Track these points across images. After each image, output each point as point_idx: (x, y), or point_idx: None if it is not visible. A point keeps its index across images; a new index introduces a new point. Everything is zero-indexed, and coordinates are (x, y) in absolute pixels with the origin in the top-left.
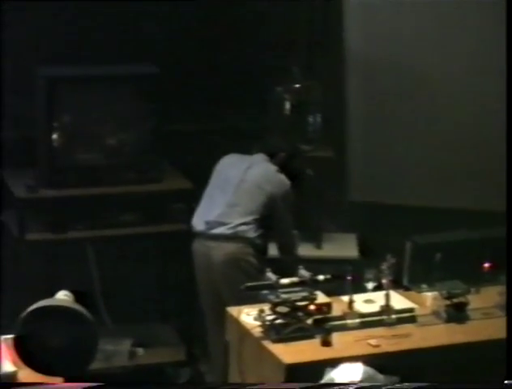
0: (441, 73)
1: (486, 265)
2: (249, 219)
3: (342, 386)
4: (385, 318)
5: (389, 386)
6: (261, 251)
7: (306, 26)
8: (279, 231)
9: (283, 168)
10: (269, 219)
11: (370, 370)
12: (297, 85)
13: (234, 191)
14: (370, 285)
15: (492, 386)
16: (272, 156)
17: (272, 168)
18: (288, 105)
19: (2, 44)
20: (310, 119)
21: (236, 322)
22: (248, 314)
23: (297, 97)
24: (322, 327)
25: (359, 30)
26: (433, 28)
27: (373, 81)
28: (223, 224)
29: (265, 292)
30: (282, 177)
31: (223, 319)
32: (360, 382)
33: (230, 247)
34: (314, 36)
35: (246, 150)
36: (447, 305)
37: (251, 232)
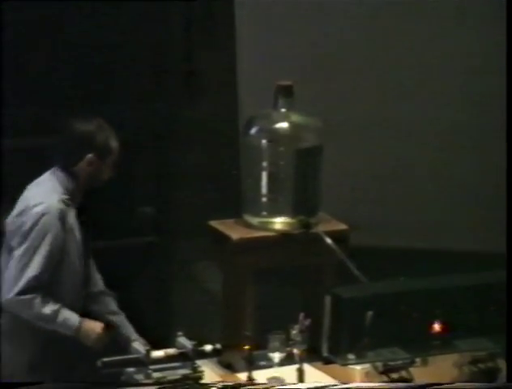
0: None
1: (436, 326)
2: None
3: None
4: None
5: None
6: None
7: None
8: None
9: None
10: None
11: None
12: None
13: None
14: (277, 356)
15: (492, 386)
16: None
17: (39, 191)
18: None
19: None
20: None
21: None
22: None
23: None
24: None
25: None
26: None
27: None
28: None
29: (130, 369)
30: (39, 207)
31: None
32: None
33: None
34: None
35: None
36: (384, 383)
37: None
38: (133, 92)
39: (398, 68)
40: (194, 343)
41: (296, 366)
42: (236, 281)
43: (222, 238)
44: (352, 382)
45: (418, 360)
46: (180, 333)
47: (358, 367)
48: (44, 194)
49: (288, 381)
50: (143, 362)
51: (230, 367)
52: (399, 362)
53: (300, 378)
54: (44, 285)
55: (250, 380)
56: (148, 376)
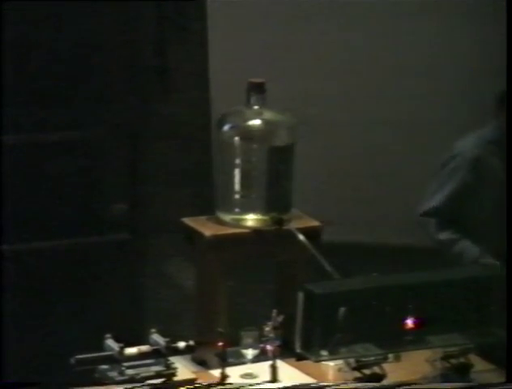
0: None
1: (409, 322)
2: None
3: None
4: None
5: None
6: None
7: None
8: None
9: None
10: None
11: None
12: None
13: None
14: (250, 353)
15: (492, 386)
16: None
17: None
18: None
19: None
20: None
21: None
22: None
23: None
24: None
25: None
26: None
27: None
28: None
29: (104, 367)
30: None
31: None
32: None
33: None
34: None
35: None
36: (357, 379)
37: None
38: (106, 89)
39: (375, 65)
40: (167, 340)
41: (270, 363)
42: (209, 278)
43: (195, 235)
44: (324, 378)
45: (391, 355)
46: (153, 330)
47: (331, 363)
48: (468, 140)
49: (261, 377)
50: (117, 359)
51: (203, 364)
52: (372, 358)
53: (274, 375)
54: (444, 214)
55: (223, 377)
56: (122, 373)
